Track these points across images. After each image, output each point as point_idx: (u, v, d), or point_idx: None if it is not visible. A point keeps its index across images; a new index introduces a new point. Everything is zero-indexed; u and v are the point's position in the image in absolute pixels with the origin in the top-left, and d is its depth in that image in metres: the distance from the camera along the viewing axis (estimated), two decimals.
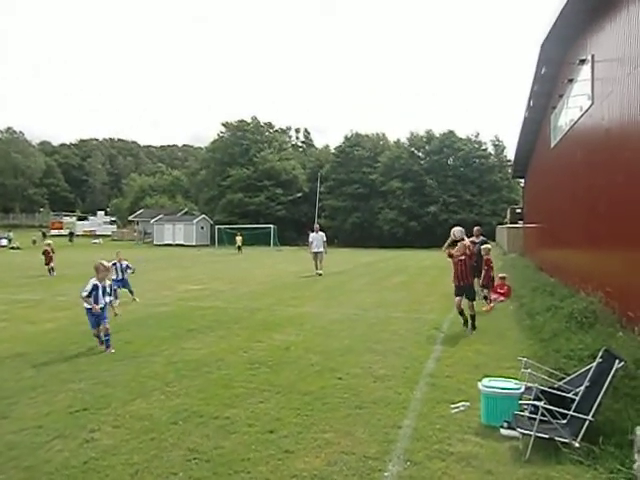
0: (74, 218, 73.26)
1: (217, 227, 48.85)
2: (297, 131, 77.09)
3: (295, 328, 8.10)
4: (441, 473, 3.32)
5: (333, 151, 60.59)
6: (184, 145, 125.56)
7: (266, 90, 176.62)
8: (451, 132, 53.44)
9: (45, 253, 17.57)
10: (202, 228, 52.43)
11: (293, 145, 72.38)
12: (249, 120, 61.82)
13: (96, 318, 6.60)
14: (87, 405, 4.50)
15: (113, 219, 72.52)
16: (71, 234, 52.50)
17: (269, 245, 43.23)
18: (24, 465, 3.39)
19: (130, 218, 64.94)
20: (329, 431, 3.98)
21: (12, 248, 38.98)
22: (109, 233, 64.10)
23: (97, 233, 63.29)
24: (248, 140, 59.17)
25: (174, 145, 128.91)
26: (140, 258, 26.23)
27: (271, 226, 44.95)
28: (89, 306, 6.55)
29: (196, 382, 5.17)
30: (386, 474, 3.30)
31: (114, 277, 10.37)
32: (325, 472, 3.33)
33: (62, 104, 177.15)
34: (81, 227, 67.99)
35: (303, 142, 76.80)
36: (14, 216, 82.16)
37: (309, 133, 78.63)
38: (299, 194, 57.08)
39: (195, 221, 52.16)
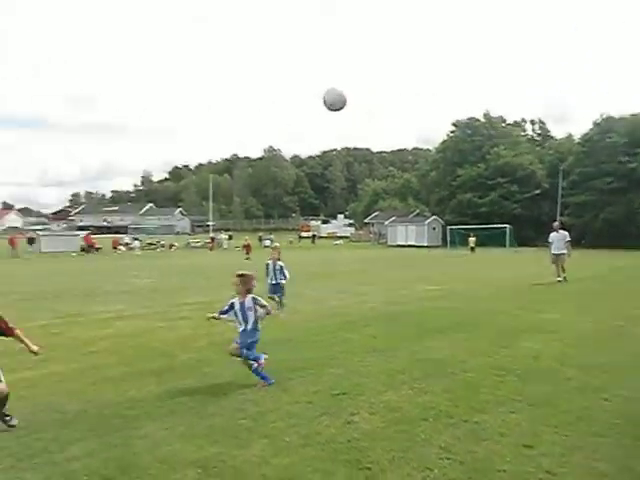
0: (319, 221, 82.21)
1: (449, 228, 48.41)
2: (532, 123, 70.60)
3: (543, 336, 7.55)
4: None
5: (577, 141, 53.36)
6: (414, 148, 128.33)
7: (493, 84, 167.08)
8: None
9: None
10: (434, 229, 52.74)
11: (528, 138, 66.52)
12: (480, 116, 59.45)
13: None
14: (345, 390, 5.07)
15: (351, 222, 78.69)
16: (314, 236, 59.34)
17: (504, 246, 40.78)
18: (302, 433, 4.03)
19: (366, 220, 69.57)
20: (600, 460, 3.53)
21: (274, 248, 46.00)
22: (348, 235, 69.82)
23: (338, 235, 69.64)
24: (480, 137, 56.95)
25: (404, 149, 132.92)
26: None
27: (506, 226, 42.27)
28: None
29: (442, 382, 5.32)
30: None
31: (268, 280, 9.51)
32: None
33: (304, 121, 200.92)
34: (324, 229, 75.95)
35: (539, 134, 69.92)
36: (273, 221, 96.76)
37: (544, 124, 71.20)
38: (537, 190, 52.08)
39: (427, 222, 52.81)
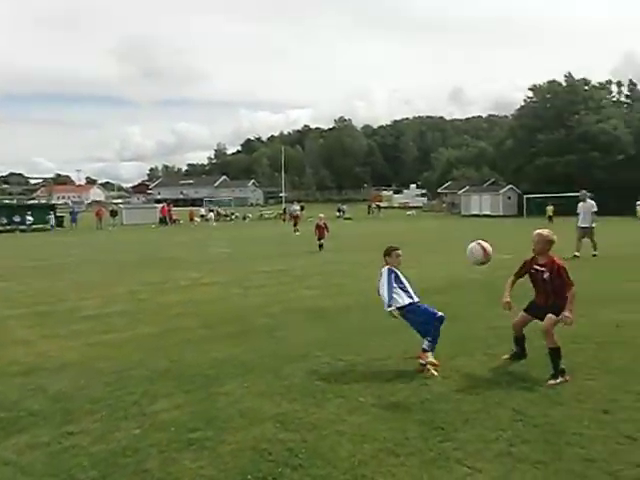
0: (391, 192, 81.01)
1: (525, 196, 45.94)
2: (619, 84, 63.86)
3: (627, 305, 7.18)
4: None
5: None
6: (489, 115, 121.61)
7: (572, 44, 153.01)
8: None
9: (318, 228, 16.59)
10: (509, 198, 50.38)
11: (615, 101, 60.54)
12: (561, 79, 54.91)
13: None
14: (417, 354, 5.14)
15: (423, 192, 76.85)
16: (378, 207, 58.26)
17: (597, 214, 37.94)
18: (376, 393, 4.15)
19: (439, 190, 67.66)
20: None
21: (346, 219, 46.09)
22: (420, 205, 68.39)
23: (410, 205, 68.37)
24: (560, 101, 52.75)
25: (479, 116, 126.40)
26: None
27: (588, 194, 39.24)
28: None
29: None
30: None
31: None
32: None
33: (375, 89, 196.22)
34: (397, 199, 74.83)
35: (627, 96, 63.34)
36: (345, 191, 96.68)
37: (635, 85, 64.16)
38: (621, 156, 47.85)
39: (502, 191, 50.51)
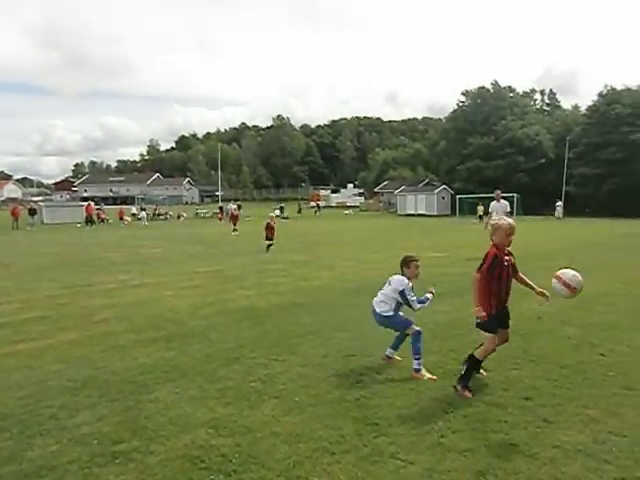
0: (329, 191, 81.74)
1: (457, 197, 48.08)
2: (542, 93, 69.23)
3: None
4: None
5: (584, 112, 52.77)
6: (424, 117, 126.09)
7: (503, 54, 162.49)
8: None
9: (268, 228, 15.74)
10: (443, 198, 52.42)
11: (537, 109, 65.36)
12: (489, 86, 58.25)
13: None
14: (354, 352, 5.17)
15: (361, 191, 78.22)
16: (317, 206, 58.72)
17: (512, 214, 40.39)
18: (312, 393, 4.14)
19: (376, 190, 69.16)
20: (592, 408, 3.75)
21: (283, 218, 45.94)
22: (358, 204, 69.55)
23: (347, 204, 69.32)
24: (489, 106, 56.03)
25: (414, 118, 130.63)
26: None
27: (514, 195, 41.86)
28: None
29: (448, 343, 5.43)
30: None
31: None
32: (591, 449, 3.16)
33: (314, 89, 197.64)
34: (334, 199, 75.62)
35: (548, 104, 68.66)
36: (283, 190, 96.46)
37: (555, 94, 69.76)
38: (543, 160, 51.73)
39: (436, 191, 52.46)
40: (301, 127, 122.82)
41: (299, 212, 53.80)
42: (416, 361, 4.47)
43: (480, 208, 36.57)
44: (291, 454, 3.17)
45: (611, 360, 4.83)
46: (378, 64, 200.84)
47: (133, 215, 42.43)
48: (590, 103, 52.09)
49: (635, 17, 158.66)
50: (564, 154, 47.62)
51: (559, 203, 41.04)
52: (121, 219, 39.40)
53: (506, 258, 4.16)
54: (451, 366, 4.68)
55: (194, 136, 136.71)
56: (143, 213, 40.48)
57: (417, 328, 4.61)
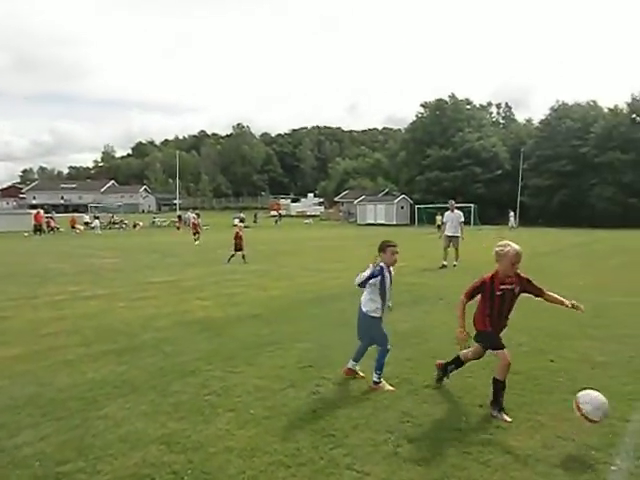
0: (289, 200, 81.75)
1: (417, 206, 49.11)
2: (498, 106, 72.30)
3: None
4: None
5: (537, 125, 55.44)
6: (384, 128, 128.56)
7: (461, 66, 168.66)
8: None
9: (237, 237, 15.16)
10: (402, 208, 53.42)
11: (493, 121, 68.05)
12: (446, 98, 60.10)
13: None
14: (312, 363, 5.13)
15: (321, 200, 78.66)
16: (279, 215, 58.62)
17: (469, 224, 41.67)
18: (268, 405, 4.07)
19: (336, 199, 69.67)
20: (543, 413, 3.86)
21: (245, 227, 45.52)
22: (318, 213, 69.83)
23: (308, 214, 69.50)
24: (447, 118, 57.82)
25: (374, 128, 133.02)
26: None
27: (471, 205, 43.26)
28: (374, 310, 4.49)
29: (405, 352, 5.45)
30: (613, 468, 3.06)
31: None
32: (541, 454, 3.24)
33: (275, 98, 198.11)
34: (294, 208, 75.66)
35: (504, 117, 71.67)
36: (242, 199, 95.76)
37: (510, 108, 72.94)
38: (499, 171, 53.84)
39: (395, 201, 53.41)
40: (261, 136, 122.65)
41: (255, 221, 53.29)
42: (377, 375, 4.40)
43: (439, 218, 37.45)
44: (245, 469, 3.09)
45: (560, 366, 4.99)
46: (339, 74, 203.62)
47: (86, 224, 41.00)
48: (542, 117, 54.97)
49: (583, 34, 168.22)
50: (519, 165, 49.67)
51: (512, 213, 42.63)
52: (73, 228, 37.96)
53: (507, 287, 3.93)
54: (407, 375, 4.72)
55: (152, 143, 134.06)
56: (96, 221, 39.20)
57: (389, 346, 4.47)
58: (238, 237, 15.10)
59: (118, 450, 3.34)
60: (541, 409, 3.94)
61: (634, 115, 47.31)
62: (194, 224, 25.60)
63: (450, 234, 13.78)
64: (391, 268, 4.55)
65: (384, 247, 4.51)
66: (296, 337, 6.17)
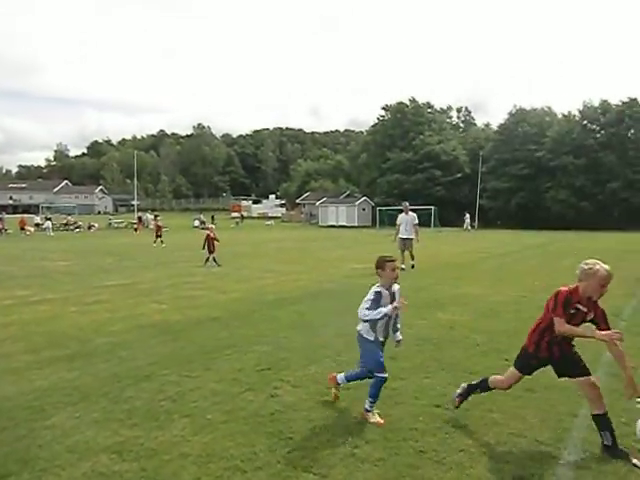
0: (250, 202, 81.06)
1: (378, 208, 49.66)
2: (458, 110, 74.10)
3: (459, 308, 8.04)
4: (626, 470, 3.06)
5: (495, 129, 57.29)
6: (346, 130, 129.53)
7: (422, 70, 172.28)
8: (634, 100, 46.32)
9: (208, 239, 14.50)
10: (364, 209, 53.86)
11: (453, 125, 69.69)
12: (407, 102, 61.05)
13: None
14: (270, 365, 5.10)
15: (283, 202, 78.39)
16: (241, 217, 58.07)
17: (429, 226, 42.53)
18: (224, 409, 4.01)
19: (297, 201, 69.60)
20: (497, 411, 3.96)
21: (203, 229, 44.84)
22: (279, 215, 69.54)
23: (269, 215, 69.11)
24: (408, 122, 58.72)
25: (336, 131, 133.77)
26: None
27: (431, 207, 44.15)
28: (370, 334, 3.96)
29: None
30: (561, 461, 3.17)
31: None
32: (494, 451, 3.33)
33: (236, 98, 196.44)
34: (256, 209, 75.09)
35: (464, 121, 73.54)
36: (203, 200, 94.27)
37: (470, 112, 74.96)
38: (459, 174, 55.19)
39: (357, 203, 53.78)
40: (222, 136, 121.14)
41: (212, 222, 52.28)
42: (370, 403, 3.87)
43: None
44: (200, 475, 3.03)
45: None
46: (301, 76, 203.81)
47: (37, 225, 39.30)
48: (500, 121, 56.75)
49: (541, 42, 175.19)
50: (478, 169, 51.10)
51: (467, 215, 43.68)
52: (22, 229, 36.27)
53: (581, 308, 3.36)
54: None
55: (108, 142, 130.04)
56: (48, 223, 37.60)
57: (385, 375, 3.88)
58: (209, 239, 14.50)
59: (66, 461, 3.21)
60: (495, 407, 4.03)
61: (585, 122, 49.53)
62: (158, 226, 24.86)
63: (404, 237, 13.63)
64: (395, 286, 4.00)
65: (382, 263, 3.95)
66: (255, 340, 6.11)
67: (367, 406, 3.88)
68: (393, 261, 3.96)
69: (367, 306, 3.82)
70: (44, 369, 5.04)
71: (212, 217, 51.24)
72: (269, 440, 3.47)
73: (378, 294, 3.87)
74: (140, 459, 3.23)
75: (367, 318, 3.84)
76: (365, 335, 3.97)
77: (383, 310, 3.78)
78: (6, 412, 3.97)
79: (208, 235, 14.63)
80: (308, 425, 3.72)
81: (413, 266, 13.37)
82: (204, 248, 14.43)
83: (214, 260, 14.29)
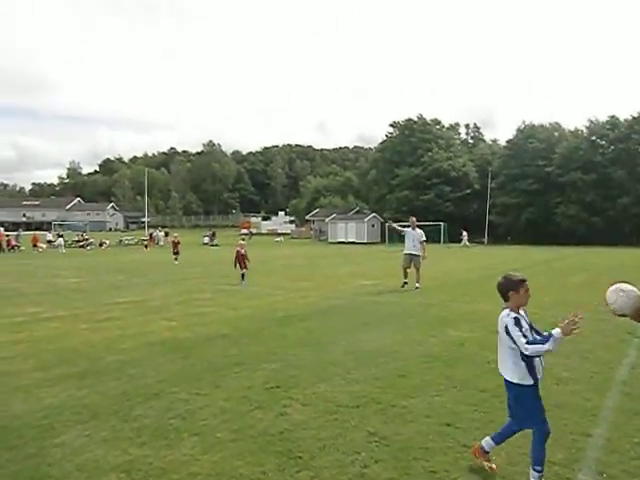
0: (259, 218, 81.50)
1: (387, 225, 49.65)
2: (467, 127, 74.34)
3: (469, 324, 7.97)
4: None
5: (504, 145, 57.41)
6: (355, 147, 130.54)
7: (429, 87, 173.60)
8: None
9: (238, 256, 14.25)
10: (373, 226, 53.82)
11: (462, 141, 69.89)
12: (415, 118, 61.42)
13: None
14: (280, 383, 5.07)
15: (292, 219, 78.68)
16: (251, 233, 58.42)
17: (439, 242, 42.38)
18: (233, 428, 3.99)
19: (307, 217, 69.78)
20: None
21: (212, 245, 45.02)
22: (289, 232, 69.74)
23: (278, 232, 69.33)
24: (416, 138, 59.00)
25: (345, 147, 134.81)
26: None
27: (441, 223, 44.06)
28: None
29: (373, 371, 5.45)
30: None
31: None
32: (506, 471, 3.27)
33: (246, 116, 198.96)
34: (265, 226, 75.41)
35: (472, 137, 73.75)
36: (213, 217, 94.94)
37: (479, 128, 75.18)
38: (468, 190, 55.16)
39: (366, 219, 53.78)
40: (232, 153, 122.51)
41: (213, 239, 51.72)
42: (537, 472, 3.06)
43: None
44: None
45: None
46: (309, 91, 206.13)
47: (49, 242, 39.71)
48: (509, 137, 56.87)
49: (547, 56, 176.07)
50: (487, 184, 51.03)
51: (465, 233, 43.16)
52: (35, 246, 36.66)
53: None
54: (375, 395, 4.69)
55: (120, 160, 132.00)
56: (60, 240, 37.99)
57: (546, 427, 3.11)
58: (239, 256, 14.14)
59: (75, 479, 3.20)
60: None
61: (593, 137, 49.46)
62: (175, 243, 24.64)
63: (411, 252, 12.85)
64: (522, 311, 3.20)
65: (516, 284, 3.15)
66: (264, 357, 6.09)
67: (535, 477, 3.07)
68: (526, 280, 3.18)
69: (525, 340, 2.98)
70: (54, 387, 5.05)
71: (213, 234, 50.99)
72: (278, 459, 3.45)
73: (518, 320, 3.08)
74: (149, 478, 3.21)
75: (541, 350, 2.95)
76: (520, 382, 3.08)
77: (556, 335, 2.89)
78: (16, 430, 3.98)
79: (238, 252, 14.26)
80: (317, 444, 3.68)
81: (417, 287, 12.44)
82: (235, 267, 14.15)
83: (242, 277, 13.94)
